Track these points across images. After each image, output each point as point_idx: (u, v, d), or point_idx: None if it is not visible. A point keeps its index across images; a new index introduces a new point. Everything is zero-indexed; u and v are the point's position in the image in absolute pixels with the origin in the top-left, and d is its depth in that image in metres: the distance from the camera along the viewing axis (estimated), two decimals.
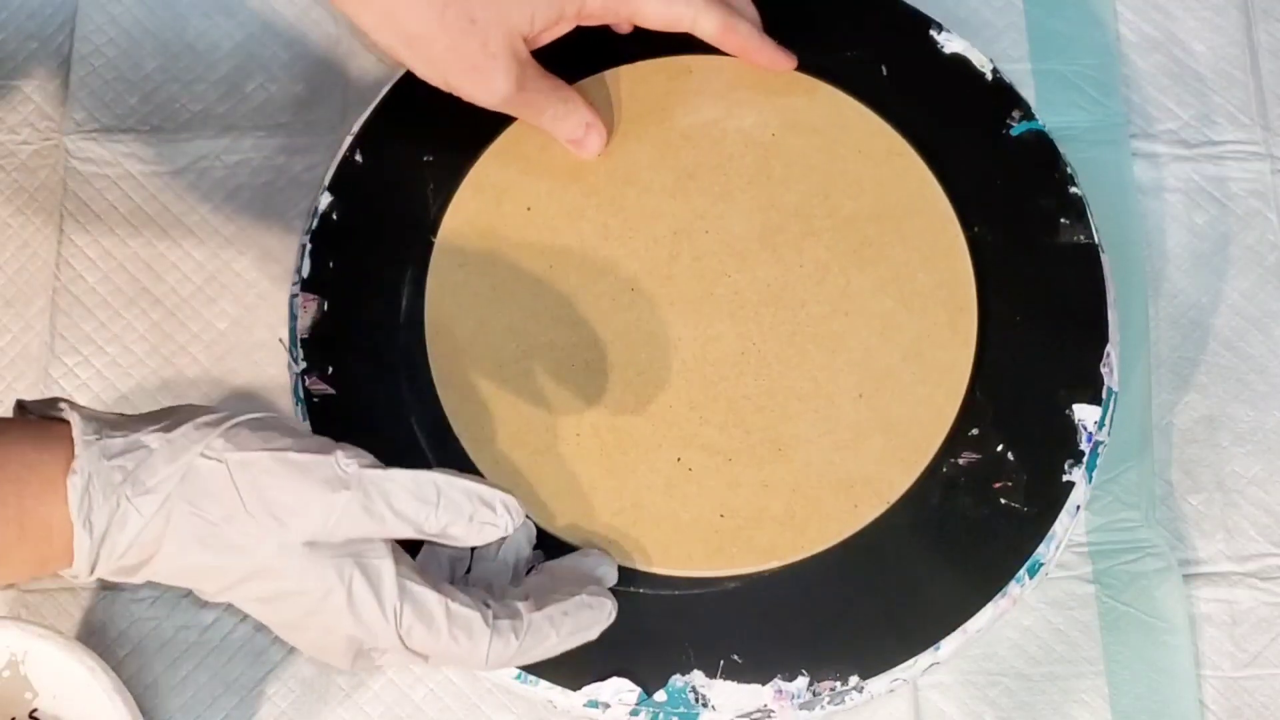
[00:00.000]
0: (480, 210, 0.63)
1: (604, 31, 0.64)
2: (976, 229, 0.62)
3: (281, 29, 0.72)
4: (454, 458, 0.59)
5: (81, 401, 0.65)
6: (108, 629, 0.63)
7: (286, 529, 0.49)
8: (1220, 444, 0.66)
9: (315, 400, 0.60)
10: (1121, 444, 0.64)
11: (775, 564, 0.57)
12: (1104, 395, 0.59)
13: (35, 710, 0.57)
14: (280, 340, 0.63)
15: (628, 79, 0.65)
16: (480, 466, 0.59)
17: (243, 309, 0.67)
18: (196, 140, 0.70)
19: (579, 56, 0.64)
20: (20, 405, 0.51)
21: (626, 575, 0.57)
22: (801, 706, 0.56)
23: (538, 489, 0.58)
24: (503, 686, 0.58)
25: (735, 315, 0.61)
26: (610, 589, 0.56)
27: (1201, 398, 0.66)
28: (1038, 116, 0.64)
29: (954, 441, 0.59)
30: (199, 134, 0.70)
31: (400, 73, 0.65)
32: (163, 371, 0.67)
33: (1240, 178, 0.70)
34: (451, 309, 0.62)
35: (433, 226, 0.63)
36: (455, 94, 0.60)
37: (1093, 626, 0.63)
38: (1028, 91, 0.70)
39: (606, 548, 0.57)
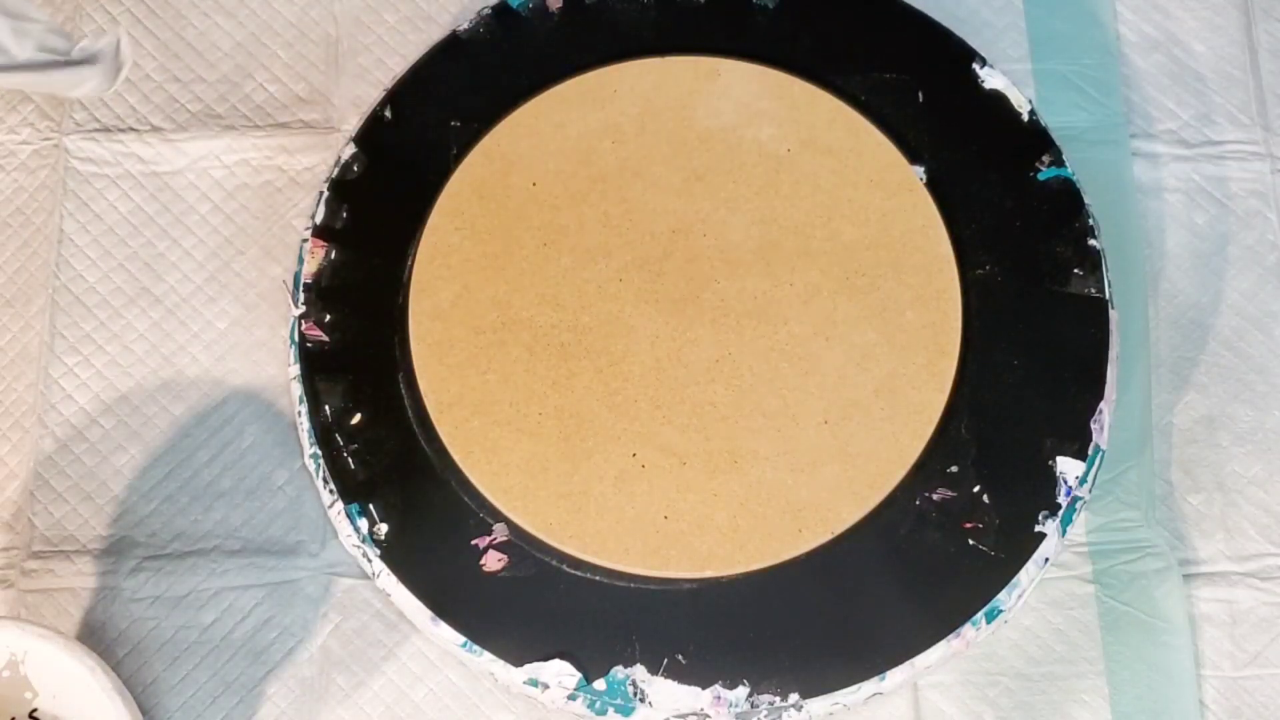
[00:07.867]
0: (486, 178, 0.63)
1: (638, 18, 0.65)
2: (987, 268, 0.62)
3: (281, 29, 0.72)
4: (420, 418, 0.60)
5: (81, 401, 0.66)
6: (108, 629, 0.63)
7: None
8: (1220, 444, 0.66)
9: (309, 345, 0.61)
10: (1121, 444, 0.64)
11: (710, 574, 0.57)
12: (1090, 451, 0.59)
13: (35, 710, 0.57)
14: (284, 283, 0.64)
15: (656, 72, 0.65)
16: (440, 429, 0.60)
17: (243, 309, 0.67)
18: (196, 140, 0.70)
19: (611, 42, 0.65)
20: None
21: (581, 561, 0.58)
22: (738, 716, 0.56)
23: (490, 460, 0.59)
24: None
25: (717, 322, 0.61)
26: (565, 572, 0.57)
27: (1201, 398, 0.66)
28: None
29: (928, 476, 0.58)
30: (199, 134, 0.70)
31: (441, 37, 0.65)
32: (163, 371, 0.67)
33: (1240, 178, 0.70)
34: (441, 271, 0.62)
35: (439, 189, 0.63)
36: None
37: (1093, 626, 0.62)
38: (1028, 91, 0.70)
39: (547, 527, 0.58)
